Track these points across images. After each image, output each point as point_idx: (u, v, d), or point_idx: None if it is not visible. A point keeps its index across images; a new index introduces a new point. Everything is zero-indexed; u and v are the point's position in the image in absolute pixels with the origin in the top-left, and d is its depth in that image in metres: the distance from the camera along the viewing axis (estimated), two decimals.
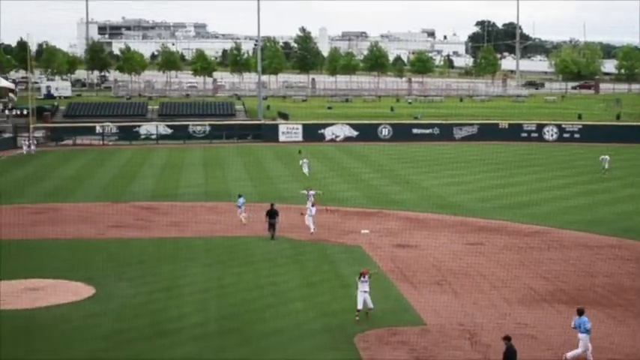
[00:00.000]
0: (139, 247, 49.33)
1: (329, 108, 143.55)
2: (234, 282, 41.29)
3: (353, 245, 49.62)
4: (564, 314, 35.57)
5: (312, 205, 54.67)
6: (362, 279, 35.08)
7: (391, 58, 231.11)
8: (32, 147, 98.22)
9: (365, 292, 34.95)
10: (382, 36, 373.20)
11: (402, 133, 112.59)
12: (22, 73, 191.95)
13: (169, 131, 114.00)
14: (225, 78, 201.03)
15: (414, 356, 30.95)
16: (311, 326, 34.20)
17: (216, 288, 40.08)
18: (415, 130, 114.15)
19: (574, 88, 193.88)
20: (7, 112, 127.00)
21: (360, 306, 34.85)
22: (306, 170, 77.88)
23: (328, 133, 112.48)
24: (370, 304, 34.99)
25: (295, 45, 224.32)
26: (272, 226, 51.50)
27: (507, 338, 28.67)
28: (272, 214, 51.75)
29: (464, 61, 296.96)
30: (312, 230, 52.61)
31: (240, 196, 57.39)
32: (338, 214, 59.41)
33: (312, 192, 57.40)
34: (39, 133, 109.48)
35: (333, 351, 31.45)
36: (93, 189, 72.16)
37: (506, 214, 59.36)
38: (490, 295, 39.02)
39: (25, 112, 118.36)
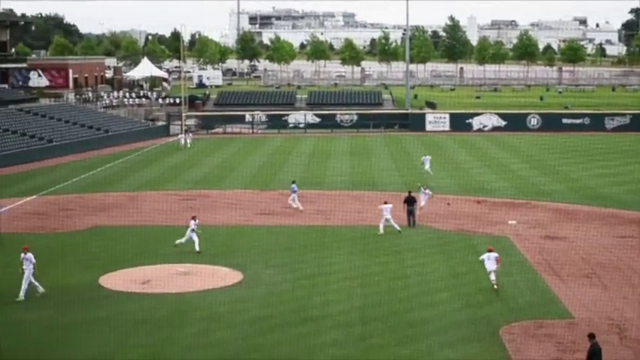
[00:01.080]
0: (285, 234, 49.98)
1: (477, 97, 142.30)
2: (379, 271, 41.42)
3: (500, 236, 49.05)
4: None
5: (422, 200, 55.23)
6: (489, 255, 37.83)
7: (541, 46, 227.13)
8: (189, 139, 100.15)
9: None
10: (532, 24, 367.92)
11: (551, 122, 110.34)
12: (175, 62, 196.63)
13: (317, 120, 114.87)
14: (372, 67, 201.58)
15: (561, 350, 30.46)
16: (456, 317, 34.05)
17: (361, 276, 40.22)
18: (565, 120, 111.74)
19: None
20: (160, 100, 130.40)
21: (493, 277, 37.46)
22: (427, 167, 73.46)
23: (476, 122, 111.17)
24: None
25: (444, 34, 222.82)
26: (411, 214, 51.65)
27: (592, 336, 27.05)
28: (409, 201, 52.06)
29: (617, 49, 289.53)
30: (381, 231, 49.74)
31: (293, 182, 57.97)
32: (485, 205, 58.92)
33: (428, 191, 56.34)
34: (191, 121, 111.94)
35: (478, 343, 31.23)
36: (242, 176, 73.36)
37: None
38: None
39: (177, 100, 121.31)
